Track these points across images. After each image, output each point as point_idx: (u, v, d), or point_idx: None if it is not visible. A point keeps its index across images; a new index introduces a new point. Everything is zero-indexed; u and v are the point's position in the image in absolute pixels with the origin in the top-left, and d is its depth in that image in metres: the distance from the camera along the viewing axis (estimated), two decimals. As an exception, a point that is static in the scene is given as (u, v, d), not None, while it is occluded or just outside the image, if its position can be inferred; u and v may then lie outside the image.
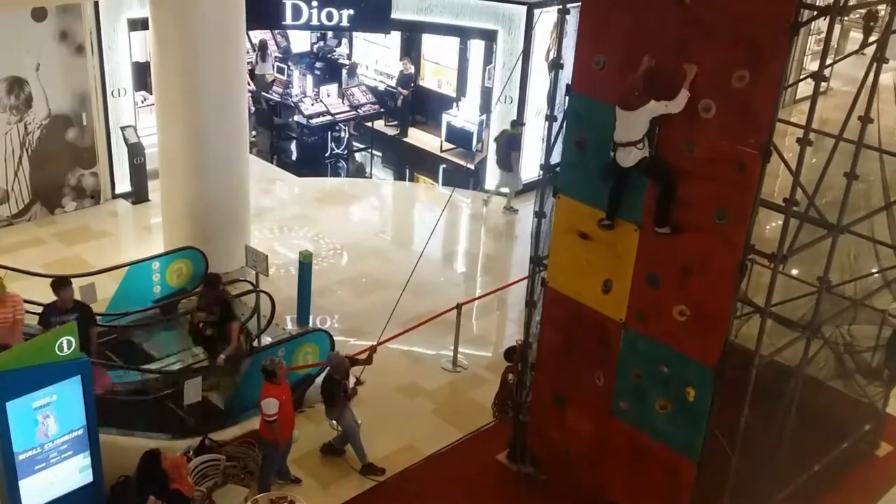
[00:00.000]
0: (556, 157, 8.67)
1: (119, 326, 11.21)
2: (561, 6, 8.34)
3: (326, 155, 18.73)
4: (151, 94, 13.67)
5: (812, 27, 19.74)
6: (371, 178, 18.49)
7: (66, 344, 7.84)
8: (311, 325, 12.33)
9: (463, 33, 17.05)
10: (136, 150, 15.06)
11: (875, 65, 7.35)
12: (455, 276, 14.31)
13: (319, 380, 10.16)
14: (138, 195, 15.40)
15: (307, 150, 18.63)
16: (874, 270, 9.49)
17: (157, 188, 13.95)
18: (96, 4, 14.23)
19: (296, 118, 18.52)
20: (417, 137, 18.93)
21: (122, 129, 15.08)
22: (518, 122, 15.87)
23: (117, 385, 10.02)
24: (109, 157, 15.22)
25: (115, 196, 15.50)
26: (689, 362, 7.86)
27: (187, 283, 12.10)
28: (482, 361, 11.96)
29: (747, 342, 8.13)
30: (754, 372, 7.70)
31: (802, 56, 21.71)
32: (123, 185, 15.48)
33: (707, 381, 7.77)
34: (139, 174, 15.27)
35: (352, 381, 10.29)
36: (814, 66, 17.82)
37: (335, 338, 10.86)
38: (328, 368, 9.88)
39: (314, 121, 18.28)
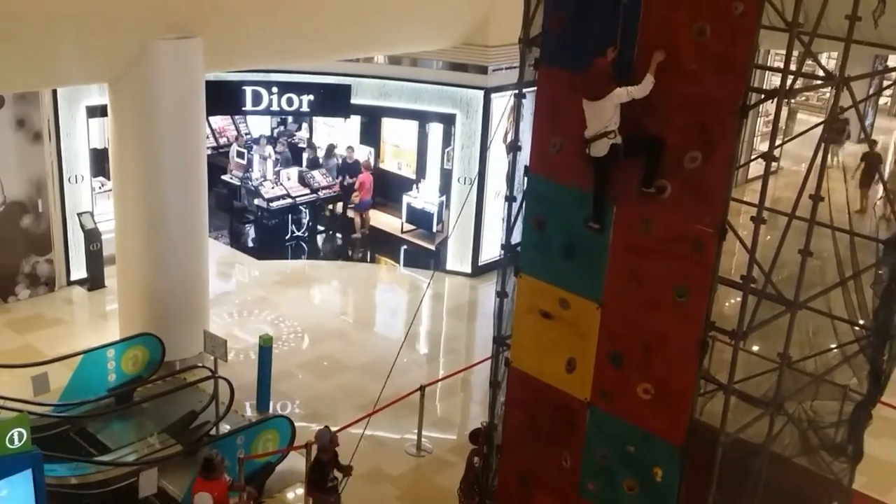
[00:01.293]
0: (516, 237, 8.74)
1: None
2: (517, 91, 8.52)
3: (287, 237, 18.70)
4: (109, 179, 13.62)
5: (760, 109, 20.32)
6: (332, 260, 18.48)
7: (17, 436, 7.60)
8: (271, 411, 12.11)
9: (422, 117, 17.32)
10: (92, 236, 14.91)
11: (823, 145, 7.56)
12: (418, 358, 14.20)
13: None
14: (94, 281, 15.20)
15: (267, 233, 18.60)
16: (833, 346, 9.58)
17: (113, 274, 13.79)
18: (55, 92, 14.24)
19: (256, 201, 18.54)
20: (378, 219, 19.00)
21: (79, 215, 14.96)
22: None
23: (71, 478, 9.72)
24: (65, 244, 15.05)
25: (70, 283, 15.28)
26: (655, 441, 7.81)
27: (143, 371, 11.89)
28: (447, 444, 11.79)
29: (712, 420, 8.10)
30: (720, 450, 7.67)
31: (752, 137, 22.33)
32: (79, 271, 15.27)
33: (674, 461, 7.72)
34: (95, 260, 15.09)
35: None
36: (764, 146, 18.31)
37: (296, 423, 10.66)
38: (316, 450, 9.60)
39: (274, 204, 18.31)
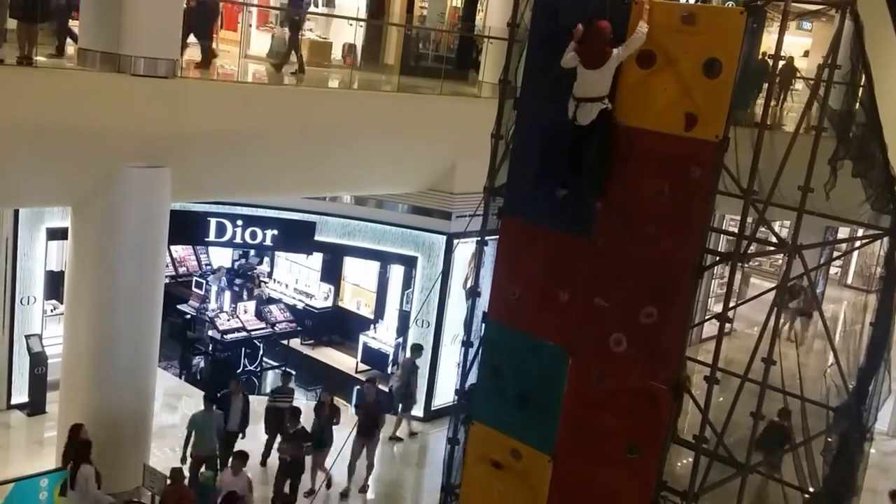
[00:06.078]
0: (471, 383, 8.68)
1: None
2: (479, 238, 8.66)
3: (238, 371, 18.37)
4: (62, 303, 13.41)
5: (715, 271, 20.77)
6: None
7: None
8: (206, 552, 11.57)
9: (383, 258, 17.46)
10: (38, 360, 14.51)
11: (776, 309, 7.71)
12: (363, 504, 13.77)
13: None
14: (35, 406, 14.67)
15: (219, 366, 18.25)
16: (783, 512, 9.48)
17: (55, 400, 13.37)
18: (16, 212, 14.18)
19: (210, 333, 18.29)
20: (333, 357, 18.81)
21: (27, 337, 14.60)
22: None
23: None
24: (9, 366, 14.61)
25: (10, 407, 14.72)
26: None
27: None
28: None
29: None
30: None
31: (707, 298, 22.71)
32: (21, 395, 14.77)
33: None
34: (39, 385, 14.62)
35: None
36: (718, 307, 18.59)
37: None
38: None
39: (228, 336, 18.08)
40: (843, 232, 22.42)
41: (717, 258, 7.66)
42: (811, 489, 9.23)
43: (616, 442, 7.45)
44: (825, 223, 10.17)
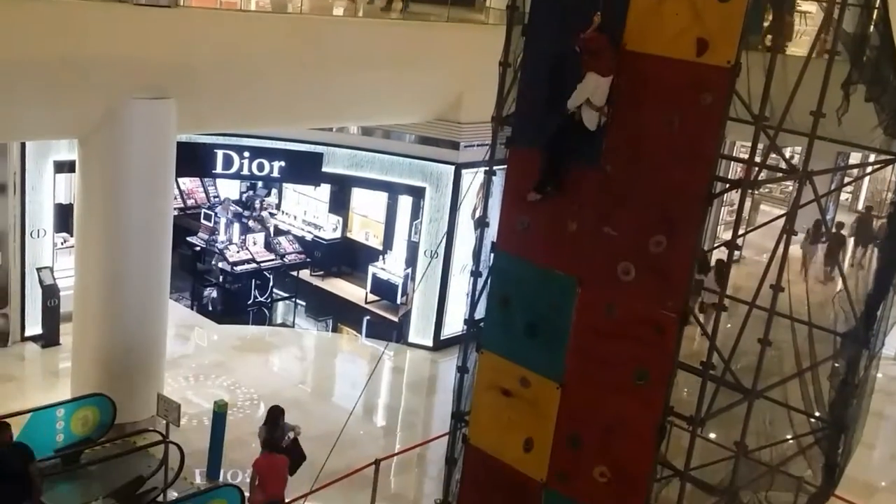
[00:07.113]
0: (480, 313, 8.72)
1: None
2: (487, 167, 8.62)
3: (249, 302, 18.52)
4: (72, 235, 13.47)
5: (725, 198, 20.66)
6: (294, 327, 18.31)
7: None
8: (221, 479, 11.82)
9: (392, 189, 17.43)
10: (50, 292, 14.66)
11: (784, 237, 7.68)
12: (374, 430, 14.00)
13: None
14: (49, 338, 14.88)
15: (229, 297, 18.40)
16: (789, 437, 9.60)
17: (68, 332, 13.54)
18: (23, 145, 14.15)
19: (220, 265, 18.39)
20: (342, 288, 18.94)
21: (39, 270, 14.72)
22: None
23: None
24: (22, 299, 14.76)
25: (24, 339, 14.94)
26: (609, 527, 7.72)
27: (92, 433, 11.58)
28: (400, 521, 11.56)
29: (668, 506, 8.04)
30: (675, 538, 7.59)
31: (716, 225, 22.65)
32: (34, 327, 14.96)
33: (628, 547, 7.61)
34: (52, 317, 14.80)
35: None
36: (727, 235, 18.55)
37: (246, 493, 10.40)
38: None
39: (238, 268, 18.17)
40: (855, 157, 22.20)
41: (727, 185, 7.61)
42: (817, 414, 9.34)
43: (624, 369, 7.51)
44: (836, 149, 10.08)
